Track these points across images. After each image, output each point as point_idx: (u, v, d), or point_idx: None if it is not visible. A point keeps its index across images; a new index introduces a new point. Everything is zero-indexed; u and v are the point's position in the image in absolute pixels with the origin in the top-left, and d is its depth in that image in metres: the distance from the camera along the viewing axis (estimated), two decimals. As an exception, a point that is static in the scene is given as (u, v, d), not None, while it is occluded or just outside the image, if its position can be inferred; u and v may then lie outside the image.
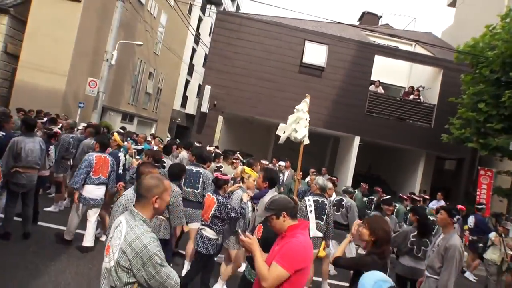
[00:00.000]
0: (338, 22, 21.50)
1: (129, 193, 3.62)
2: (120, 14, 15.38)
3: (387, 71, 18.55)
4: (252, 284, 3.19)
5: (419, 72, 18.84)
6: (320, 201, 6.00)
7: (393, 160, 19.21)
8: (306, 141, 8.02)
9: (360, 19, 31.86)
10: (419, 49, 19.68)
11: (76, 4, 15.42)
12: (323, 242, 5.81)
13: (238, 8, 45.31)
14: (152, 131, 24.70)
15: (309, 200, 6.06)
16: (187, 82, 35.08)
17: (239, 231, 3.40)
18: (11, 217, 6.01)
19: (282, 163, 12.82)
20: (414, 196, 11.20)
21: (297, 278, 2.67)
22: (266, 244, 3.17)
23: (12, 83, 15.46)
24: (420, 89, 17.61)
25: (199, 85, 29.49)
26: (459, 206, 10.12)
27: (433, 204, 12.09)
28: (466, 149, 14.22)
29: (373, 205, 11.29)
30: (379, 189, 12.03)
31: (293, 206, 2.90)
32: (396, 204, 9.61)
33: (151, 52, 24.32)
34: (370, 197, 11.88)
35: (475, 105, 12.57)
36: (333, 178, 11.71)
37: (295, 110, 8.69)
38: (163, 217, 4.81)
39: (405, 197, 10.85)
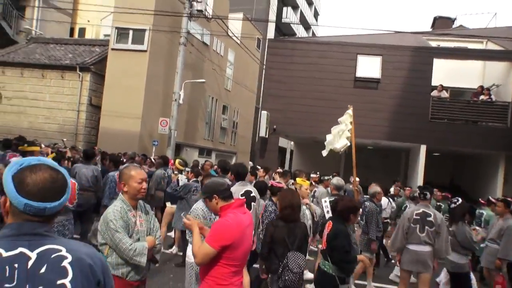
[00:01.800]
0: (397, 32, 21.00)
1: (200, 205, 4.12)
2: (183, 57, 16.81)
3: (456, 75, 17.54)
4: (327, 274, 3.77)
5: (493, 70, 17.54)
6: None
7: (471, 168, 17.81)
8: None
9: (432, 25, 30.70)
10: (492, 46, 18.41)
11: (143, 54, 17.24)
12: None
13: (313, 35, 45.83)
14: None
15: (325, 201, 6.17)
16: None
17: (182, 214, 3.86)
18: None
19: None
20: None
21: (228, 254, 2.82)
22: (335, 237, 3.74)
23: (97, 131, 17.60)
24: (493, 88, 16.37)
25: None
26: None
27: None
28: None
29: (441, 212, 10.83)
30: (449, 195, 11.33)
31: (224, 189, 3.03)
32: (483, 212, 8.82)
33: (222, 88, 25.71)
34: (438, 204, 11.38)
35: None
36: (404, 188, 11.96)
37: (339, 121, 8.85)
38: None
39: (493, 201, 8.69)
